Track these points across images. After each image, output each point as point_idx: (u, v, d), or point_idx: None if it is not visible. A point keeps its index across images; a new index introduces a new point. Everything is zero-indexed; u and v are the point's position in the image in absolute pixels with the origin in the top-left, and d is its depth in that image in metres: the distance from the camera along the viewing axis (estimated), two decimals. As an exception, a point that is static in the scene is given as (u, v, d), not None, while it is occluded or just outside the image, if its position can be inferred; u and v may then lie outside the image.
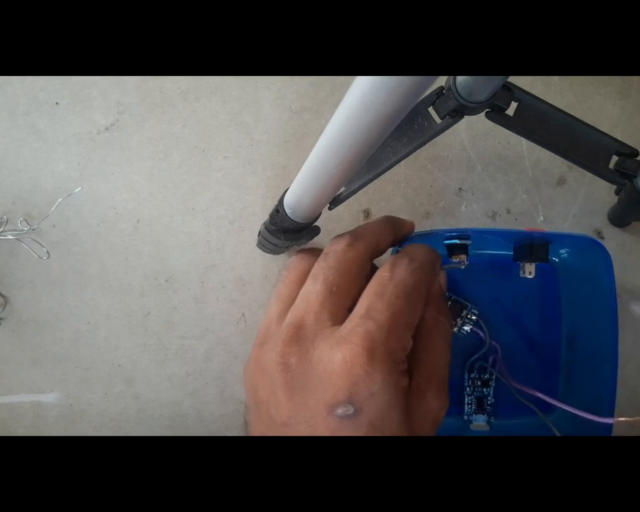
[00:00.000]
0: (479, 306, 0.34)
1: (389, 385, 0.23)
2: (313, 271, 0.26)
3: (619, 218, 0.37)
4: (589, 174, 0.31)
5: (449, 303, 0.33)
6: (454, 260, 0.31)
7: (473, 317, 0.33)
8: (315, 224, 0.32)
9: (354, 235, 0.27)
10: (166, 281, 0.37)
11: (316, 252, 0.28)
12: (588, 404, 0.29)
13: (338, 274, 0.25)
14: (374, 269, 0.29)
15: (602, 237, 0.38)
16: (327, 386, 0.22)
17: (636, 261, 0.38)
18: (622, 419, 0.27)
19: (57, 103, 0.38)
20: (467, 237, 0.31)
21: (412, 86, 0.17)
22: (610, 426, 0.28)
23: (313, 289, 0.25)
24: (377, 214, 0.38)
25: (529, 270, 0.32)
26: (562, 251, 0.34)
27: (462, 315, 0.33)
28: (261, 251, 0.36)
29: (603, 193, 0.38)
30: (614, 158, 0.30)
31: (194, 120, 0.38)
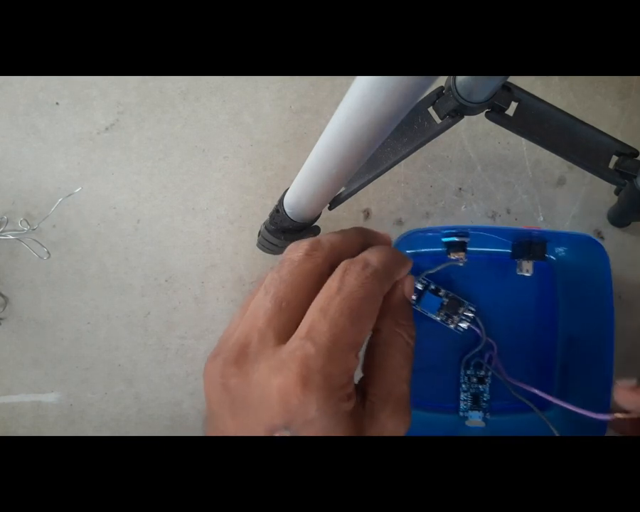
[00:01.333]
0: (476, 303, 0.34)
1: (326, 413, 0.22)
2: (265, 282, 0.24)
3: (619, 218, 0.37)
4: (589, 174, 0.31)
5: (446, 300, 0.33)
6: (453, 257, 0.31)
7: (470, 314, 0.33)
8: (315, 224, 0.32)
9: (314, 244, 0.25)
10: (166, 281, 0.37)
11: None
12: (584, 401, 0.29)
13: (290, 287, 0.24)
14: None
15: (602, 237, 0.38)
16: (265, 410, 0.22)
17: (636, 261, 0.38)
18: (617, 415, 0.27)
19: (57, 103, 0.38)
20: (466, 235, 0.31)
21: (412, 86, 0.17)
22: (605, 422, 0.28)
23: (262, 304, 0.23)
24: (377, 214, 0.38)
25: (526, 268, 0.32)
26: (560, 249, 0.34)
27: (459, 312, 0.33)
28: (261, 251, 0.36)
29: (603, 193, 0.38)
30: (614, 158, 0.30)
31: (194, 120, 0.38)
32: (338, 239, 0.26)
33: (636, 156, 0.30)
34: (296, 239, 0.32)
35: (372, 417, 0.24)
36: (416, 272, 0.33)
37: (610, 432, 0.29)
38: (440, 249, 0.31)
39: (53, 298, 0.37)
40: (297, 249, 0.25)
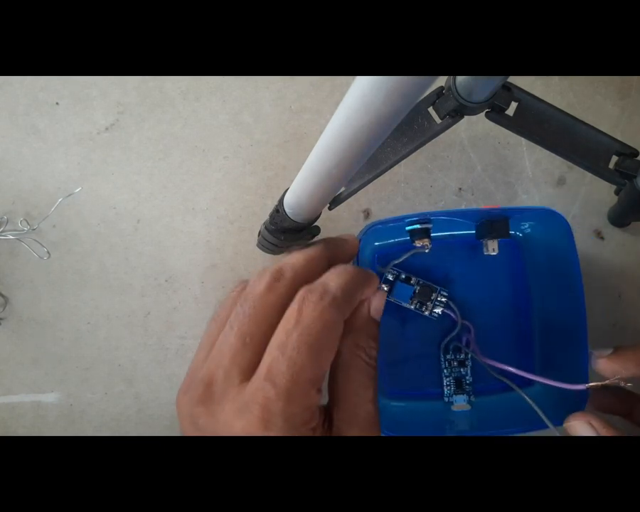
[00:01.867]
0: (448, 287, 0.34)
1: None
2: (230, 317, 0.24)
3: (619, 218, 0.37)
4: (589, 174, 0.31)
5: (417, 288, 0.33)
6: (418, 245, 0.31)
7: (443, 299, 0.34)
8: (315, 224, 0.32)
9: (276, 273, 0.25)
10: (166, 281, 0.37)
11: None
12: (565, 374, 0.30)
13: (254, 323, 0.23)
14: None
15: (602, 237, 0.38)
16: None
17: (636, 261, 0.38)
18: (592, 384, 0.27)
19: (57, 103, 0.38)
20: (428, 221, 0.31)
21: (412, 86, 0.17)
22: (584, 392, 0.28)
23: (227, 341, 0.23)
24: (377, 214, 0.38)
25: (492, 247, 0.32)
26: (525, 225, 0.34)
27: (432, 298, 0.33)
28: (261, 251, 0.36)
29: (603, 193, 0.38)
30: (614, 158, 0.30)
31: (194, 120, 0.38)
32: (301, 263, 0.25)
33: (636, 156, 0.30)
34: (296, 239, 0.32)
35: None
36: (384, 262, 0.34)
37: (590, 408, 0.28)
38: (406, 238, 0.31)
39: (53, 298, 0.37)
40: (260, 282, 0.25)
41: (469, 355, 0.34)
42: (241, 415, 0.22)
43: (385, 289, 0.33)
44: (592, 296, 0.38)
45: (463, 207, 0.38)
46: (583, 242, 0.38)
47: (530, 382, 0.32)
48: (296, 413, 0.22)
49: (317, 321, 0.23)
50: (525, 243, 0.35)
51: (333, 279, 0.25)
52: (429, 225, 0.31)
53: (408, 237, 0.31)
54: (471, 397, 0.34)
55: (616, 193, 0.36)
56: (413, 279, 0.34)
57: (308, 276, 0.25)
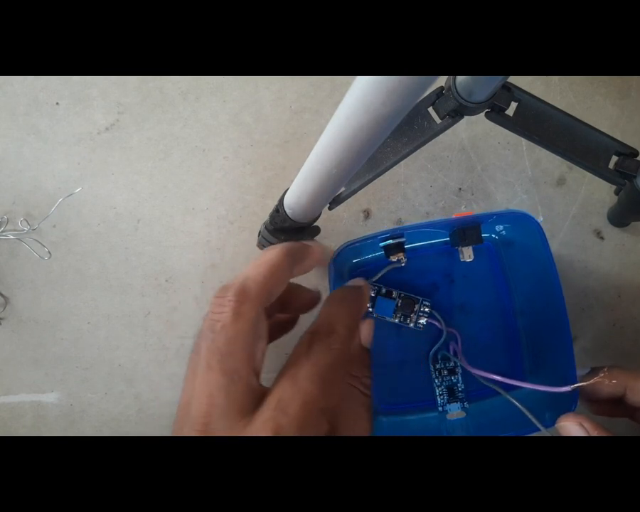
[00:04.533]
0: (431, 297, 0.34)
1: None
2: (202, 353, 0.23)
3: (619, 218, 0.37)
4: (589, 174, 0.31)
5: (399, 301, 0.33)
6: (393, 260, 0.31)
7: (427, 309, 0.33)
8: (315, 224, 0.32)
9: (239, 295, 0.23)
10: (167, 281, 0.37)
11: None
12: (554, 372, 0.30)
13: (234, 357, 0.23)
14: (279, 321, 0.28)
15: (602, 237, 0.38)
16: None
17: (636, 261, 0.38)
18: (577, 385, 0.27)
19: (57, 103, 0.38)
20: (401, 236, 0.31)
21: (412, 86, 0.17)
22: (575, 392, 0.28)
23: (213, 381, 0.22)
24: (377, 214, 0.38)
25: (467, 254, 0.32)
26: (499, 228, 0.34)
27: (415, 309, 0.33)
28: (261, 251, 0.36)
29: (603, 193, 0.38)
30: (614, 158, 0.30)
31: (194, 120, 0.38)
32: (262, 277, 0.24)
33: (636, 156, 0.30)
34: (296, 239, 0.32)
35: None
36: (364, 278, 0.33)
37: (580, 410, 0.28)
38: (379, 253, 0.31)
39: (53, 298, 0.37)
40: (223, 305, 0.23)
41: (458, 364, 0.34)
42: None
43: (370, 310, 0.33)
44: (592, 296, 0.38)
45: (463, 207, 0.38)
46: (583, 242, 0.38)
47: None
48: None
49: (327, 356, 0.23)
50: (500, 247, 0.35)
51: (338, 311, 0.25)
52: (402, 239, 0.31)
53: (380, 253, 0.31)
54: (465, 403, 0.34)
55: (616, 193, 0.36)
56: (394, 292, 0.34)
57: (272, 289, 0.25)
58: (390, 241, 0.31)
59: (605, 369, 0.28)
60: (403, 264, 0.31)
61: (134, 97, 0.38)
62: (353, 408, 0.25)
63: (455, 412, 0.34)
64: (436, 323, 0.34)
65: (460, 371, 0.34)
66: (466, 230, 0.31)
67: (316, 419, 0.22)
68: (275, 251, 0.26)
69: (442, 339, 0.33)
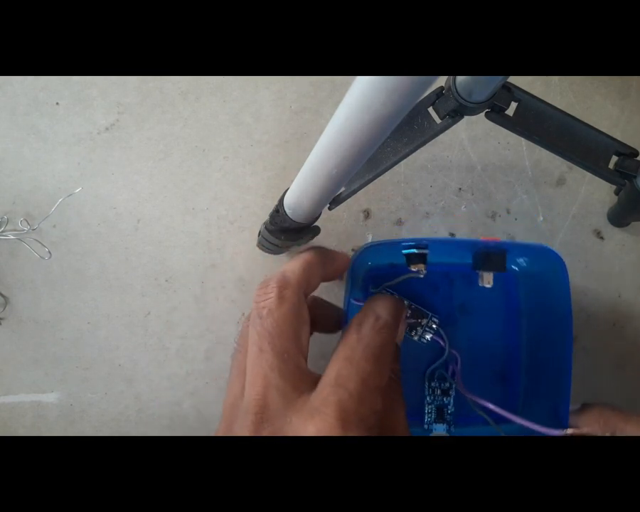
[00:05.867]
0: (440, 314, 0.34)
1: None
2: (253, 339, 0.25)
3: (619, 218, 0.37)
4: (589, 174, 0.31)
5: (409, 311, 0.33)
6: (413, 269, 0.31)
7: (434, 326, 0.33)
8: (315, 224, 0.32)
9: (282, 284, 0.25)
10: (167, 281, 0.37)
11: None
12: (547, 413, 0.29)
13: (283, 337, 0.24)
14: (317, 305, 0.29)
15: (602, 237, 0.38)
16: None
17: (636, 261, 0.38)
18: (569, 431, 0.28)
19: (57, 103, 0.38)
20: (425, 247, 0.31)
21: (412, 86, 0.17)
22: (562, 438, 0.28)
23: (265, 362, 0.24)
24: (377, 214, 0.38)
25: (487, 279, 0.31)
26: (521, 260, 0.34)
27: (422, 323, 0.33)
28: (261, 251, 0.36)
29: (603, 193, 0.38)
30: (614, 158, 0.30)
31: (194, 120, 0.38)
32: (301, 270, 0.27)
33: (636, 156, 0.30)
34: (297, 239, 0.32)
35: None
36: (377, 284, 0.33)
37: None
38: (401, 261, 0.31)
39: (53, 298, 0.37)
40: (267, 293, 0.25)
41: (453, 385, 0.33)
42: (313, 420, 0.22)
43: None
44: (592, 296, 0.38)
45: (463, 207, 0.38)
46: (583, 242, 0.38)
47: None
48: (368, 415, 0.23)
49: (377, 338, 0.25)
50: (520, 279, 0.34)
51: (381, 304, 0.27)
52: (426, 251, 0.31)
53: (403, 261, 0.31)
54: (452, 427, 0.33)
55: (616, 193, 0.36)
56: (406, 302, 0.33)
57: (309, 280, 0.27)
58: (415, 250, 0.30)
59: (596, 410, 0.29)
60: (422, 276, 0.31)
61: (134, 97, 0.38)
62: (392, 396, 0.27)
63: (440, 432, 0.33)
64: (441, 342, 0.33)
65: (453, 394, 0.34)
66: (491, 254, 0.31)
67: (373, 396, 0.24)
68: (308, 250, 0.29)
69: (443, 358, 0.33)
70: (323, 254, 0.29)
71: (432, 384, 0.34)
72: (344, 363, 0.24)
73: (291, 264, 0.27)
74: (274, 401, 0.23)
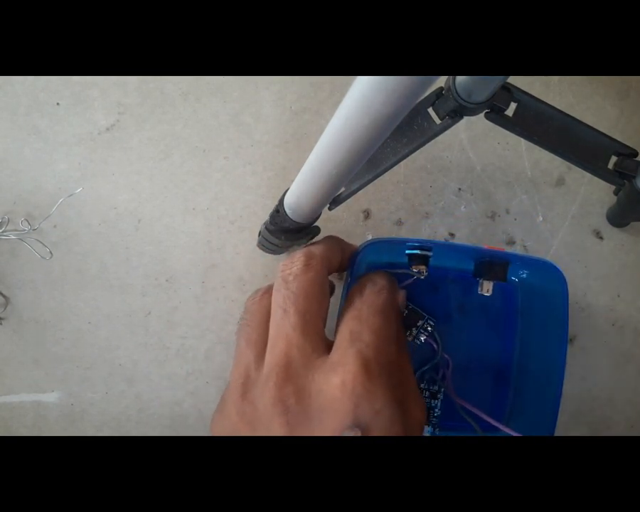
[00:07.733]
0: (436, 317, 0.34)
1: (390, 400, 0.23)
2: (278, 302, 0.25)
3: (618, 218, 0.38)
4: (588, 174, 0.31)
5: (406, 311, 0.33)
6: (414, 270, 0.31)
7: (429, 328, 0.33)
8: (315, 224, 0.32)
9: (308, 253, 0.27)
10: (167, 281, 0.37)
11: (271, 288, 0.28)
12: (535, 423, 0.30)
13: (307, 299, 0.25)
14: (332, 286, 0.30)
15: (601, 237, 0.38)
16: (330, 415, 0.22)
17: (635, 261, 0.38)
18: None
19: (58, 103, 0.38)
20: (429, 249, 0.31)
21: (412, 86, 0.17)
22: None
23: (287, 322, 0.25)
24: (377, 214, 0.38)
25: (487, 288, 0.32)
26: (522, 272, 0.34)
27: (418, 325, 0.33)
28: (261, 251, 0.37)
29: (602, 193, 0.38)
30: (613, 159, 0.31)
31: (195, 120, 0.38)
32: (324, 248, 0.28)
33: (635, 156, 0.30)
34: (297, 239, 0.32)
35: (404, 407, 0.25)
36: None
37: None
38: (403, 260, 0.31)
39: (54, 298, 0.37)
40: (295, 263, 0.27)
41: (442, 389, 0.33)
42: (335, 372, 0.23)
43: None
44: (592, 296, 0.38)
45: (462, 207, 0.38)
46: (582, 242, 0.38)
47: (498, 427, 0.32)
48: (386, 363, 0.24)
49: (378, 297, 0.27)
50: (519, 289, 0.35)
51: (375, 276, 0.29)
52: (429, 253, 0.31)
53: (405, 260, 0.31)
54: (436, 430, 0.33)
55: (616, 193, 0.36)
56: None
57: (332, 259, 0.28)
58: (418, 251, 0.31)
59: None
60: (422, 277, 0.31)
61: (135, 98, 0.38)
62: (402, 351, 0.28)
63: (424, 434, 0.33)
64: (434, 344, 0.33)
65: (441, 397, 0.34)
66: (494, 264, 0.31)
67: (386, 346, 0.25)
68: (329, 237, 0.31)
69: (435, 361, 0.33)
70: (340, 241, 0.30)
71: (421, 386, 0.34)
72: (354, 322, 0.25)
73: (315, 245, 0.29)
74: (296, 360, 0.24)
